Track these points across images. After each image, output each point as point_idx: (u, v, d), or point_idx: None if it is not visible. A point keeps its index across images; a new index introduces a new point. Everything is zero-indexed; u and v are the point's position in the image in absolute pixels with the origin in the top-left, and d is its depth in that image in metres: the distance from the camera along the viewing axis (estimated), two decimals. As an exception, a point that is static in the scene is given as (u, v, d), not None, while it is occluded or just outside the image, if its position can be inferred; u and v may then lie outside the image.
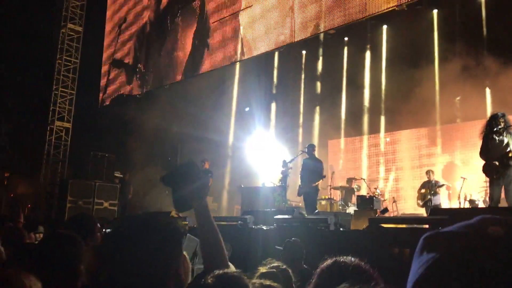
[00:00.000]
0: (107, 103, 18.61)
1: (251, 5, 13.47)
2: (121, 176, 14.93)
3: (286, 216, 8.25)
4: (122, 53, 18.35)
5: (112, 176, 15.17)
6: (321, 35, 12.93)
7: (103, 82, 19.04)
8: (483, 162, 6.98)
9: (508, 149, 6.69)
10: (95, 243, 3.06)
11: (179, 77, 15.96)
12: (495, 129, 6.72)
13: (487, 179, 7.46)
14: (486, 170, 6.93)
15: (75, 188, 14.00)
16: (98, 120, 18.38)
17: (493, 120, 6.85)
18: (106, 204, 14.23)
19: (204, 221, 1.76)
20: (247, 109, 15.63)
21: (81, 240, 2.34)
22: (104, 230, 6.07)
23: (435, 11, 12.29)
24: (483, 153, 6.94)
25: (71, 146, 18.22)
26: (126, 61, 18.15)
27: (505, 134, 6.75)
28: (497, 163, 6.67)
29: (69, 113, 18.50)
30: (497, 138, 6.76)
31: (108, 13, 19.43)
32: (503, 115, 6.83)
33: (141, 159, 15.04)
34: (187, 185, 1.68)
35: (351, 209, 11.02)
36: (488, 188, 7.90)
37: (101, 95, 18.90)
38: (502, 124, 6.72)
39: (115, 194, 14.38)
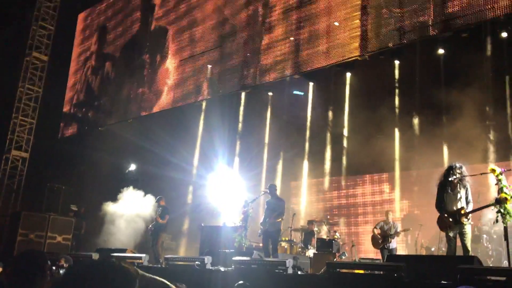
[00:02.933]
0: (67, 134, 18.23)
1: (219, 46, 13.71)
2: (77, 209, 14.49)
3: (245, 258, 8.15)
4: (86, 86, 18.16)
5: (67, 210, 14.70)
6: (287, 78, 13.18)
7: (65, 112, 18.70)
8: (437, 212, 7.15)
9: (461, 205, 6.88)
10: (44, 282, 2.92)
11: (143, 112, 15.88)
12: (450, 179, 6.91)
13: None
14: (440, 224, 7.09)
15: (27, 221, 13.44)
16: (57, 151, 17.92)
17: (450, 170, 7.03)
18: (59, 239, 13.71)
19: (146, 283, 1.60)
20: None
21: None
22: (52, 267, 5.82)
23: (396, 62, 12.76)
24: (438, 206, 7.13)
25: (27, 177, 17.62)
26: (89, 93, 17.95)
27: (459, 187, 6.95)
28: (450, 219, 6.84)
29: (28, 143, 18.01)
30: (451, 192, 6.97)
31: (76, 43, 19.32)
32: (461, 167, 7.01)
33: (98, 193, 14.67)
34: None
35: (311, 252, 10.99)
36: (443, 237, 8.16)
37: (61, 126, 18.51)
38: (458, 176, 6.91)
39: (69, 228, 13.89)
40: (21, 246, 12.73)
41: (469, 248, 6.77)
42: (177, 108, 14.97)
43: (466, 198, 6.92)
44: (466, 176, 6.98)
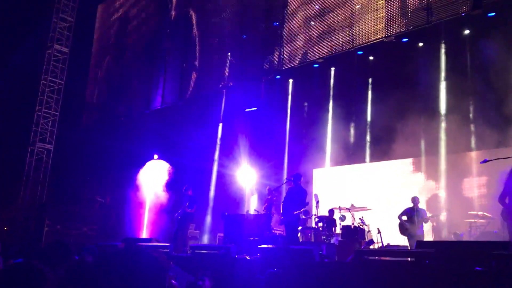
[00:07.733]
0: (90, 125, 18.37)
1: (240, 33, 13.58)
2: (102, 200, 14.63)
3: (271, 246, 8.08)
4: (107, 76, 18.23)
5: (92, 200, 14.85)
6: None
7: (87, 103, 18.85)
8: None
9: None
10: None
11: (165, 102, 15.87)
12: None
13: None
14: (504, 215, 7.09)
15: (54, 212, 13.64)
16: (80, 142, 18.08)
17: None
18: (85, 229, 13.87)
19: None
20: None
21: (45, 273, 2.10)
22: (76, 257, 5.83)
23: (420, 44, 12.43)
24: (502, 199, 7.09)
25: (52, 169, 17.85)
26: (110, 84, 18.02)
27: None
28: None
29: (52, 135, 18.21)
30: None
31: (96, 34, 19.40)
32: None
33: (122, 183, 14.76)
34: None
35: (335, 240, 10.88)
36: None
37: (84, 117, 18.67)
38: None
39: (94, 219, 14.05)
40: (48, 237, 12.92)
41: None
42: (198, 96, 14.90)
43: None
44: None
